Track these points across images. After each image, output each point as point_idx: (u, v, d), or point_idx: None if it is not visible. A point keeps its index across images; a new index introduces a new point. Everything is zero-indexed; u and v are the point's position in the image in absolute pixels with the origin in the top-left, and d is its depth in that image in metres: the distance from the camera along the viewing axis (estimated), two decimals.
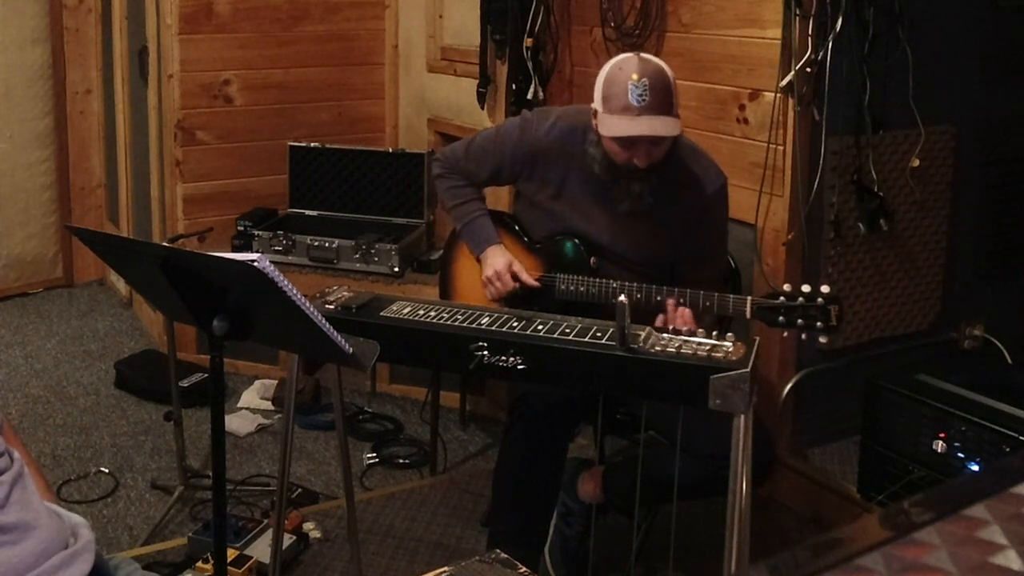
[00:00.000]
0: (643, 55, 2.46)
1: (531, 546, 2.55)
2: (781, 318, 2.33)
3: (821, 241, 3.10)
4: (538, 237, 2.73)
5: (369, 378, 3.99)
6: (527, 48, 3.62)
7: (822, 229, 3.09)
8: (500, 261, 2.67)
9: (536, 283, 2.65)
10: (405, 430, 3.72)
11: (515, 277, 2.64)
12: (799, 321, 2.31)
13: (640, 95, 2.35)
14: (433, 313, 2.22)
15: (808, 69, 2.92)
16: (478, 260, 2.75)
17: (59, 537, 1.60)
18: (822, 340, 2.37)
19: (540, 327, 2.13)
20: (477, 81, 3.84)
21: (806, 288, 2.31)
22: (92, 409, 3.85)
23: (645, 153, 2.41)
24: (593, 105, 2.47)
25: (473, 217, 2.77)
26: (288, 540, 2.78)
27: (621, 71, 2.39)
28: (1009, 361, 3.36)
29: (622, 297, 2.00)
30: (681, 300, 2.43)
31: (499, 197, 3.62)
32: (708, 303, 2.42)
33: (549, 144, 2.63)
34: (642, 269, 2.62)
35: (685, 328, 2.12)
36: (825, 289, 2.31)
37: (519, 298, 2.65)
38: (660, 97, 2.37)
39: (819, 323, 2.30)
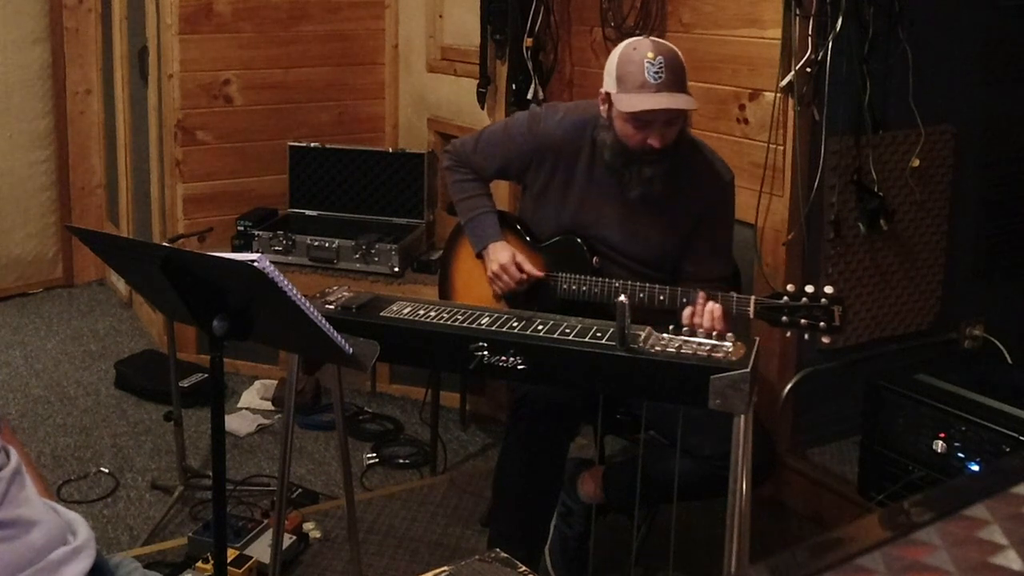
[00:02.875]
0: (654, 38, 2.50)
1: (531, 546, 2.55)
2: (784, 318, 2.32)
3: (821, 241, 3.10)
4: (541, 236, 2.73)
5: (369, 378, 3.99)
6: (527, 48, 3.62)
7: (822, 229, 3.09)
8: (503, 255, 2.66)
9: (541, 273, 2.64)
10: (405, 430, 3.72)
11: (520, 268, 2.64)
12: (802, 321, 2.31)
13: (657, 72, 2.38)
14: (433, 313, 2.22)
15: (808, 69, 2.92)
16: (479, 256, 2.75)
17: (59, 534, 1.60)
18: (825, 340, 2.36)
19: (540, 327, 2.13)
20: (477, 81, 3.84)
21: (809, 288, 2.31)
22: (92, 409, 3.85)
23: (659, 133, 2.42)
24: (604, 89, 2.48)
25: (478, 214, 2.77)
26: (288, 540, 2.78)
27: (636, 51, 2.42)
28: (1009, 361, 3.36)
29: (622, 297, 2.00)
30: (685, 300, 2.43)
31: (499, 196, 3.61)
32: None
33: (558, 138, 2.63)
34: (645, 269, 2.61)
35: (717, 329, 2.12)
36: (828, 290, 2.31)
37: (521, 297, 2.65)
38: (676, 75, 2.41)
39: (822, 323, 2.30)
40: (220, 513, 1.86)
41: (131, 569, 1.74)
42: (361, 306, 2.26)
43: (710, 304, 2.36)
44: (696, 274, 2.59)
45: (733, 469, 1.98)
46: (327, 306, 2.26)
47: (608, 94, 2.47)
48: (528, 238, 2.75)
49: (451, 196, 2.89)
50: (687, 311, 2.38)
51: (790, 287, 2.35)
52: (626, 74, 2.41)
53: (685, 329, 2.09)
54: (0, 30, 4.84)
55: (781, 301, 2.33)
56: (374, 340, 1.92)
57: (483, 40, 3.78)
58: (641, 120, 2.42)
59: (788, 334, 2.61)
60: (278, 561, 2.45)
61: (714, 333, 2.07)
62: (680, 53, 2.46)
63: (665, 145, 2.45)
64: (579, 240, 2.65)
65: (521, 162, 2.71)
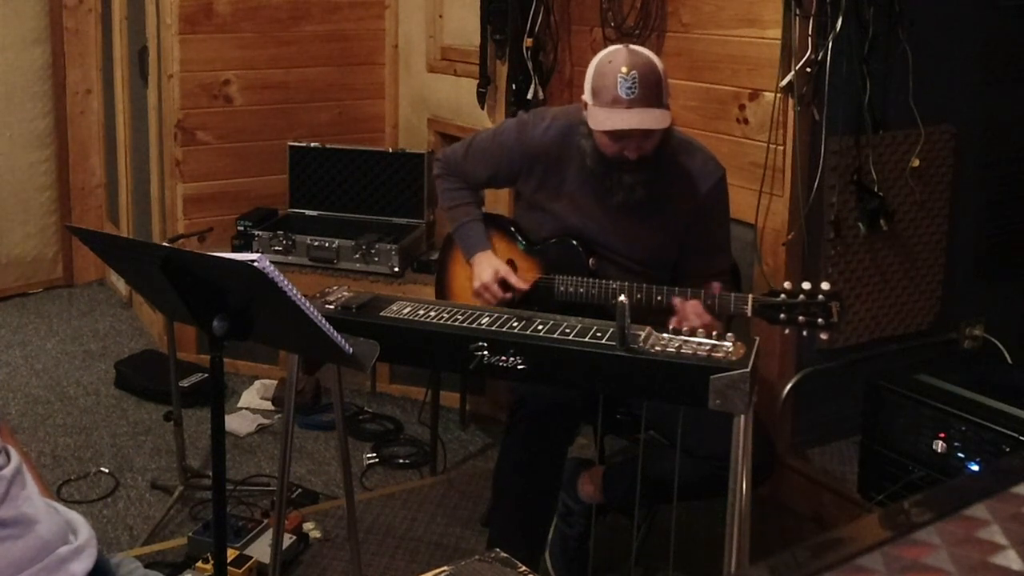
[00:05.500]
0: (632, 47, 2.46)
1: (531, 546, 2.55)
2: (782, 315, 2.32)
3: (821, 241, 3.10)
4: (536, 239, 2.73)
5: (369, 378, 3.99)
6: (527, 48, 3.62)
7: (822, 229, 3.09)
8: (487, 272, 2.66)
9: (525, 286, 2.64)
10: (405, 430, 3.72)
11: (504, 283, 2.64)
12: (800, 318, 2.31)
13: (630, 88, 2.35)
14: (433, 313, 2.22)
15: (808, 69, 2.92)
16: (469, 264, 2.75)
17: (61, 532, 1.60)
18: (823, 337, 2.36)
19: (540, 327, 2.13)
20: (477, 81, 3.84)
21: (806, 285, 2.31)
22: (92, 409, 3.85)
23: (635, 146, 2.42)
24: (583, 97, 2.48)
25: (465, 221, 2.78)
26: (288, 540, 2.78)
27: (611, 64, 2.40)
28: (1009, 361, 3.35)
29: (622, 297, 2.00)
30: (683, 298, 2.43)
31: (499, 197, 3.62)
32: (709, 302, 2.42)
33: (546, 145, 2.63)
34: (641, 269, 2.62)
35: (699, 323, 2.12)
36: (825, 286, 2.31)
37: (518, 300, 2.65)
38: (650, 90, 2.37)
39: (820, 319, 2.30)
40: (220, 513, 1.86)
41: (131, 569, 1.74)
42: (361, 306, 2.26)
43: (690, 303, 2.39)
44: (696, 272, 2.59)
45: (733, 469, 1.98)
46: (327, 306, 2.26)
47: (586, 103, 2.46)
48: (524, 241, 2.76)
49: (440, 204, 2.90)
50: (674, 319, 2.39)
51: (787, 284, 2.35)
52: (600, 88, 2.39)
53: (685, 329, 2.09)
54: (0, 30, 4.84)
55: (778, 299, 2.33)
56: (374, 340, 1.92)
57: (483, 40, 3.78)
58: (615, 134, 2.41)
59: (787, 331, 2.61)
60: (278, 561, 2.45)
61: (700, 330, 2.07)
62: (658, 63, 2.42)
63: (643, 155, 2.44)
64: (575, 241, 2.65)
65: (511, 170, 2.71)
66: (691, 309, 2.39)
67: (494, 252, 2.75)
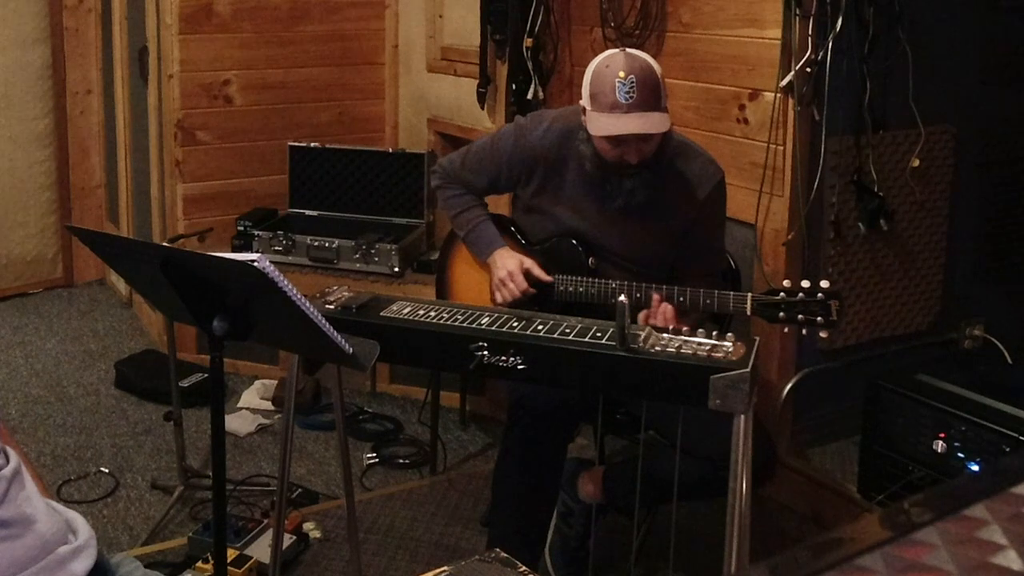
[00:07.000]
0: (629, 51, 2.45)
1: (531, 546, 2.55)
2: (781, 314, 2.33)
3: (821, 241, 3.10)
4: (536, 239, 2.73)
5: (369, 378, 3.99)
6: (527, 48, 3.62)
7: (822, 229, 3.09)
8: (511, 262, 2.65)
9: (549, 279, 2.63)
10: (405, 430, 3.72)
11: (527, 274, 2.63)
12: (799, 316, 2.31)
13: (628, 92, 2.35)
14: (433, 313, 2.22)
15: (808, 69, 2.92)
16: (484, 265, 2.74)
17: (60, 532, 1.60)
18: (822, 335, 2.36)
19: (540, 327, 2.12)
20: (477, 81, 3.84)
21: (806, 284, 2.31)
22: (92, 409, 3.85)
23: (635, 150, 2.42)
24: (581, 102, 2.47)
25: (476, 223, 2.77)
26: (288, 540, 2.78)
27: (608, 68, 2.39)
28: (1009, 361, 3.36)
29: (622, 297, 2.00)
30: (681, 299, 2.43)
31: (498, 198, 3.61)
32: (708, 301, 2.42)
33: (545, 149, 2.63)
34: (640, 269, 2.62)
35: (671, 327, 2.12)
36: (825, 284, 2.31)
37: (519, 300, 2.65)
38: (648, 94, 2.36)
39: (819, 318, 2.30)
40: (220, 513, 1.86)
41: (131, 568, 1.74)
42: (361, 306, 2.26)
43: (663, 305, 2.40)
44: (691, 272, 2.59)
45: (733, 469, 1.98)
46: (327, 306, 2.26)
47: (584, 108, 2.46)
48: (523, 241, 2.75)
49: (445, 213, 2.89)
50: (642, 313, 2.40)
51: (786, 283, 2.35)
52: (598, 93, 2.39)
53: (685, 329, 2.09)
54: (0, 30, 4.84)
55: (777, 297, 2.33)
56: (374, 340, 1.92)
57: (483, 40, 3.78)
58: (615, 139, 2.41)
59: (786, 330, 2.61)
60: (278, 561, 2.45)
61: (699, 331, 2.08)
62: (656, 67, 2.41)
63: (643, 159, 2.44)
64: (574, 241, 2.65)
65: (510, 175, 2.71)
66: (662, 312, 2.39)
67: None
